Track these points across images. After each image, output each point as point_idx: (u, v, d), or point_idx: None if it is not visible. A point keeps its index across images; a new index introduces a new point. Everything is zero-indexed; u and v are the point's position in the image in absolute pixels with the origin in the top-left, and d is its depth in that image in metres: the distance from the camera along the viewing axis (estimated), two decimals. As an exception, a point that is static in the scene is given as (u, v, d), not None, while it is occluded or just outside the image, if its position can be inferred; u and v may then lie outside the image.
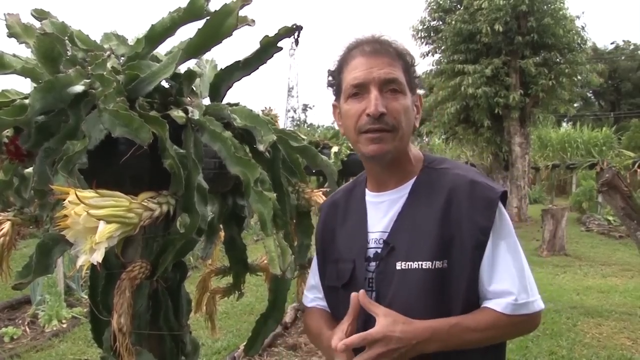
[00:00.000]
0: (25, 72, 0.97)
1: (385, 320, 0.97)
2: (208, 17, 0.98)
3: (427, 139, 18.88)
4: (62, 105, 0.91)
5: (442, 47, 13.07)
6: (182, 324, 1.10)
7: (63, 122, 0.92)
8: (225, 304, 4.61)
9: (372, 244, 1.11)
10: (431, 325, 0.99)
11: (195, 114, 0.97)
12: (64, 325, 4.48)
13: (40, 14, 1.07)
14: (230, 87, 1.13)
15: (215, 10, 0.97)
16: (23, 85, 1.04)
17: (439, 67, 13.37)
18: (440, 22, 13.39)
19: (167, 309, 1.06)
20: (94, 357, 3.72)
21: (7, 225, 1.17)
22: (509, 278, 1.02)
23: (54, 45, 0.93)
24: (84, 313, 4.70)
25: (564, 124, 25.07)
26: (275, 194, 0.97)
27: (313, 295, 1.25)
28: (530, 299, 1.03)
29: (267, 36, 1.06)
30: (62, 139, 0.89)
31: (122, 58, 1.07)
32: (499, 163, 13.10)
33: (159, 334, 1.06)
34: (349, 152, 3.38)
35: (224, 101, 1.13)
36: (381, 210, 1.12)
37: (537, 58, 11.90)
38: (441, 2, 13.34)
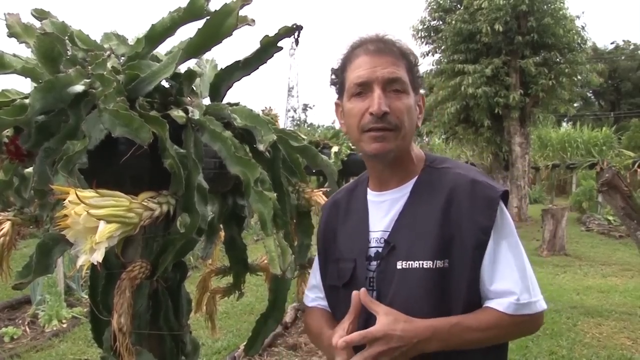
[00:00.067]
0: (25, 71, 0.97)
1: (386, 319, 0.97)
2: (208, 17, 0.98)
3: (427, 139, 18.88)
4: (62, 105, 0.91)
5: (442, 47, 13.07)
6: (182, 323, 1.10)
7: (63, 122, 0.92)
8: (225, 303, 4.61)
9: (373, 243, 1.11)
10: (432, 324, 0.99)
11: (196, 114, 0.97)
12: (64, 325, 4.48)
13: (40, 14, 1.07)
14: (231, 87, 1.13)
15: (216, 10, 0.97)
16: (23, 85, 1.04)
17: (439, 67, 13.37)
18: (440, 22, 13.39)
19: (167, 308, 1.06)
20: (94, 357, 3.72)
21: (7, 225, 1.17)
22: (511, 278, 1.02)
23: (54, 45, 0.93)
24: (84, 313, 4.70)
25: (564, 124, 25.08)
26: (275, 194, 0.97)
27: (314, 295, 1.25)
28: (532, 299, 1.02)
29: (267, 36, 1.06)
30: (62, 138, 0.89)
31: (122, 58, 1.07)
32: (499, 163, 13.10)
33: (159, 334, 1.06)
34: (349, 152, 3.38)
35: (224, 101, 1.13)
36: (382, 210, 1.13)
37: (537, 58, 11.90)
38: (441, 2, 13.34)
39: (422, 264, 1.02)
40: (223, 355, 3.79)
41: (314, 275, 1.26)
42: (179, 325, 1.09)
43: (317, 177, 3.37)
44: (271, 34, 1.06)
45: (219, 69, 1.15)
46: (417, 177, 1.12)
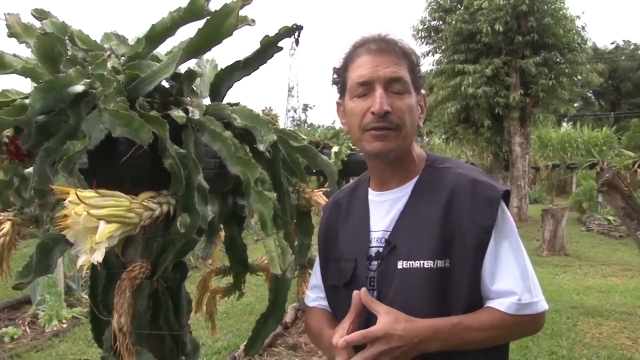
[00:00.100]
0: (25, 71, 0.97)
1: (387, 318, 0.97)
2: (208, 17, 0.98)
3: (427, 139, 18.88)
4: (63, 105, 0.91)
5: (442, 47, 13.07)
6: (182, 323, 1.10)
7: (63, 122, 0.92)
8: (225, 303, 4.61)
9: (374, 243, 1.10)
10: (433, 324, 0.98)
11: (196, 114, 0.97)
12: (64, 325, 4.48)
13: (40, 14, 1.07)
14: (231, 87, 1.13)
15: (216, 10, 0.97)
16: (23, 85, 1.04)
17: (439, 67, 13.37)
18: (441, 22, 13.39)
19: (167, 308, 1.06)
20: (94, 357, 3.72)
21: (7, 225, 1.17)
22: (512, 278, 1.02)
23: (54, 45, 0.93)
24: (84, 313, 4.70)
25: (564, 124, 25.07)
26: (275, 194, 0.97)
27: (315, 295, 1.25)
28: (534, 299, 1.02)
29: (267, 36, 1.06)
30: (62, 138, 0.89)
31: (123, 58, 1.07)
32: (499, 163, 13.10)
33: (159, 334, 1.06)
34: (349, 152, 3.38)
35: (224, 101, 1.13)
36: (383, 209, 1.12)
37: (537, 58, 11.90)
38: (441, 2, 13.34)
39: (423, 263, 1.02)
40: (223, 355, 3.79)
41: (315, 275, 1.26)
42: (179, 325, 1.09)
43: (317, 177, 3.37)
44: (271, 34, 1.06)
45: (219, 69, 1.15)
46: (418, 176, 1.12)
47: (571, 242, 8.87)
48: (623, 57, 32.93)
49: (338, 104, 1.17)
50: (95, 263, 0.79)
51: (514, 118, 12.36)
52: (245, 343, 1.33)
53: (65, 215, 0.80)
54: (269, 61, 1.09)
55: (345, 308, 1.05)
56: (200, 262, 2.18)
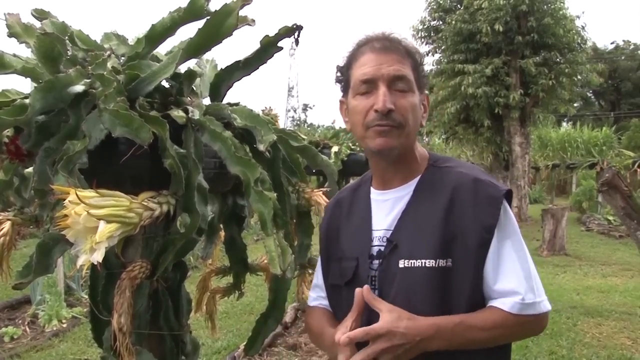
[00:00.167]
0: (25, 71, 0.97)
1: (390, 316, 0.97)
2: (208, 17, 0.98)
3: (427, 139, 18.87)
4: (63, 105, 0.91)
5: (442, 47, 13.08)
6: (182, 323, 1.10)
7: (63, 122, 0.92)
8: (225, 303, 4.61)
9: (376, 242, 1.10)
10: (436, 323, 0.98)
11: (196, 114, 0.97)
12: (64, 325, 4.48)
13: (40, 14, 1.07)
14: (231, 87, 1.13)
15: (216, 10, 0.97)
16: (23, 85, 1.04)
17: (439, 67, 13.38)
18: (441, 22, 13.39)
19: (167, 308, 1.06)
20: (94, 357, 3.72)
21: (7, 225, 1.17)
22: (515, 277, 1.01)
23: (54, 45, 0.93)
24: (84, 313, 4.70)
25: (564, 124, 25.09)
26: (275, 194, 0.97)
27: (315, 295, 1.25)
28: (537, 299, 1.01)
29: (267, 36, 1.06)
30: (62, 138, 0.89)
31: (123, 58, 1.07)
32: (499, 163, 13.10)
33: (159, 334, 1.06)
34: (349, 152, 3.38)
35: (224, 101, 1.13)
36: (385, 208, 1.12)
37: (537, 58, 11.90)
38: (441, 2, 13.34)
39: (425, 262, 1.02)
40: (223, 355, 3.79)
41: (317, 275, 1.26)
42: (179, 325, 1.09)
43: (317, 177, 3.37)
44: (271, 34, 1.06)
45: (219, 69, 1.15)
46: (420, 176, 1.12)
47: (571, 242, 8.87)
48: (623, 57, 32.93)
49: (341, 102, 1.17)
50: (95, 263, 0.79)
51: (513, 118, 12.36)
52: (245, 343, 1.33)
53: (65, 215, 0.80)
54: (269, 61, 1.09)
55: (346, 307, 1.05)
56: (200, 262, 2.18)
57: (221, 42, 1.01)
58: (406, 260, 1.04)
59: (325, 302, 1.22)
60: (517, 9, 11.78)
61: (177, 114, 0.96)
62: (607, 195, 4.07)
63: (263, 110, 1.39)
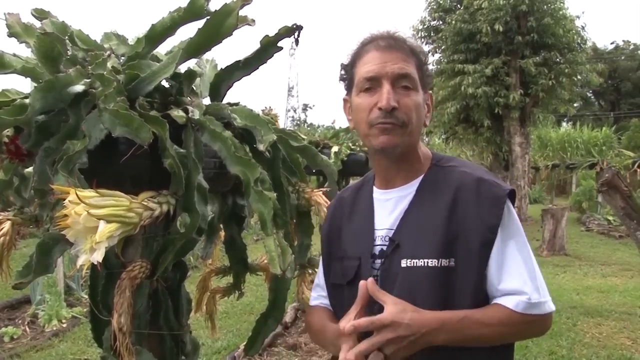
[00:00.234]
0: (25, 71, 0.97)
1: (395, 308, 0.96)
2: (208, 17, 0.98)
3: (427, 139, 18.88)
4: (63, 104, 0.91)
5: (442, 47, 13.08)
6: (182, 323, 1.10)
7: (63, 122, 0.92)
8: (225, 303, 4.61)
9: (378, 241, 1.10)
10: (441, 316, 0.97)
11: (196, 114, 0.97)
12: (64, 325, 4.48)
13: (40, 14, 1.07)
14: (231, 87, 1.13)
15: (216, 10, 0.97)
16: (23, 85, 1.04)
17: (439, 66, 13.37)
18: (441, 22, 13.39)
19: (167, 308, 1.07)
20: (94, 357, 3.72)
21: (7, 225, 1.17)
22: (520, 277, 1.01)
23: (54, 45, 0.93)
24: (84, 313, 4.70)
25: (564, 124, 25.10)
26: (275, 194, 0.97)
27: (316, 294, 1.25)
28: (542, 299, 1.01)
29: (267, 36, 1.06)
30: (62, 138, 0.89)
31: (122, 58, 1.07)
32: (499, 163, 13.10)
33: (159, 334, 1.06)
34: (349, 152, 3.38)
35: (224, 101, 1.13)
36: (388, 207, 1.12)
37: (537, 58, 11.90)
38: (441, 2, 13.35)
39: (427, 262, 1.01)
40: (223, 355, 3.79)
41: (318, 274, 1.26)
42: (179, 325, 1.09)
43: (317, 177, 3.37)
44: (271, 34, 1.06)
45: (219, 68, 1.15)
46: (423, 175, 1.11)
47: (571, 242, 8.87)
48: (623, 57, 32.94)
49: (345, 100, 1.17)
50: (95, 263, 0.79)
51: (513, 118, 12.37)
52: (245, 343, 1.33)
53: (65, 215, 0.80)
54: (269, 61, 1.09)
55: (348, 307, 1.05)
56: (200, 262, 2.18)
57: (221, 42, 1.01)
58: (409, 260, 1.03)
59: (326, 302, 1.22)
60: (517, 9, 11.78)
61: (177, 113, 0.96)
62: (606, 196, 4.07)
63: (263, 110, 1.39)
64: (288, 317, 4.41)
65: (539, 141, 19.17)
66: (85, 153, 0.86)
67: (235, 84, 1.12)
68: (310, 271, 1.42)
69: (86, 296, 4.80)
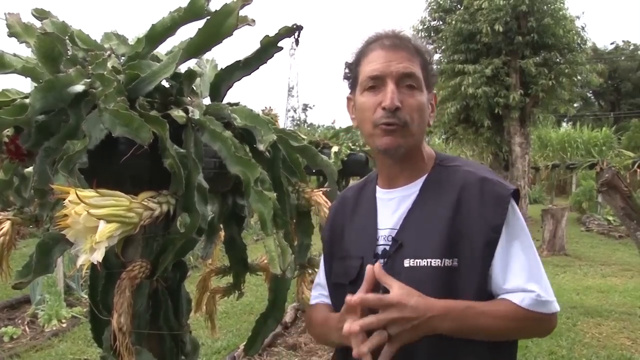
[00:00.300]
0: (25, 71, 0.97)
1: (401, 290, 0.95)
2: (208, 17, 0.98)
3: (427, 139, 18.84)
4: (63, 104, 0.91)
5: (442, 47, 13.08)
6: (182, 323, 1.10)
7: (63, 122, 0.92)
8: (225, 303, 4.62)
9: (381, 241, 1.10)
10: (446, 304, 0.97)
11: (196, 114, 0.97)
12: (64, 325, 4.48)
13: (40, 14, 1.07)
14: (231, 87, 1.13)
15: (216, 10, 0.97)
16: (23, 85, 1.04)
17: (439, 67, 13.36)
18: (441, 22, 13.39)
19: (167, 308, 1.07)
20: (94, 357, 3.72)
21: (7, 225, 1.17)
22: (526, 276, 1.00)
23: (54, 45, 0.93)
24: (83, 313, 4.70)
25: (564, 124, 25.10)
26: (275, 194, 0.97)
27: (317, 293, 1.24)
28: (549, 298, 1.01)
29: (267, 36, 1.06)
30: (62, 138, 0.89)
31: (123, 58, 1.07)
32: (499, 163, 13.10)
33: (159, 334, 1.06)
34: (349, 152, 3.38)
35: (224, 101, 1.13)
36: (391, 207, 1.12)
37: (537, 58, 11.90)
38: (441, 2, 13.34)
39: (430, 262, 1.01)
40: (223, 355, 3.79)
41: (319, 274, 1.26)
42: (178, 325, 1.09)
43: (317, 177, 3.37)
44: (271, 34, 1.06)
45: (219, 68, 1.15)
46: (426, 175, 1.11)
47: (571, 242, 8.87)
48: (623, 58, 32.95)
49: (348, 99, 1.17)
50: (95, 263, 0.79)
51: (513, 118, 12.36)
52: (244, 343, 1.33)
53: (65, 215, 0.80)
54: (269, 61, 1.09)
55: None
56: (200, 262, 2.18)
57: (221, 42, 1.01)
58: (411, 260, 1.03)
59: (327, 301, 1.21)
60: (517, 9, 11.78)
61: (177, 113, 0.96)
62: (606, 196, 4.07)
63: (263, 110, 1.39)
64: (288, 317, 4.41)
65: (539, 141, 19.17)
66: (85, 153, 0.86)
67: (235, 84, 1.12)
68: (310, 271, 1.42)
69: (86, 296, 4.80)
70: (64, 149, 0.86)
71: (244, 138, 1.03)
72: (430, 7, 13.53)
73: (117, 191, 0.85)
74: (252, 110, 1.06)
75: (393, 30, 1.10)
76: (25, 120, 0.89)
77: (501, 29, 11.63)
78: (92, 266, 0.85)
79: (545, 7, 12.03)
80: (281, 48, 1.09)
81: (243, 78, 1.11)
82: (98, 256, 0.79)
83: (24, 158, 1.01)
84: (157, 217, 0.89)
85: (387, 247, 1.08)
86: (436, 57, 13.63)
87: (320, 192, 1.28)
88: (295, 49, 1.33)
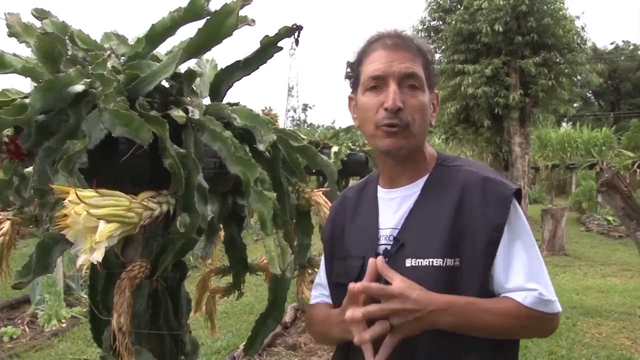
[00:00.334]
0: (25, 71, 0.97)
1: (403, 283, 0.95)
2: (208, 17, 0.98)
3: (427, 139, 18.86)
4: (63, 104, 0.91)
5: (442, 47, 13.07)
6: (181, 323, 1.10)
7: (63, 122, 0.92)
8: (225, 303, 4.62)
9: (382, 241, 1.09)
10: (447, 298, 0.97)
11: (196, 114, 0.97)
12: (64, 325, 4.48)
13: (40, 14, 1.07)
14: (231, 87, 1.13)
15: (216, 10, 0.97)
16: (23, 85, 1.04)
17: (439, 67, 13.32)
18: (440, 22, 13.39)
19: (167, 308, 1.07)
20: (94, 357, 3.72)
21: (6, 225, 1.17)
22: (528, 275, 1.00)
23: (54, 45, 0.93)
24: (83, 312, 4.70)
25: (564, 124, 25.10)
26: (275, 194, 0.97)
27: (318, 292, 1.24)
28: (551, 298, 1.01)
29: (267, 36, 1.06)
30: (62, 138, 0.89)
31: (123, 58, 1.07)
32: (499, 163, 13.10)
33: (159, 334, 1.06)
34: (348, 152, 3.38)
35: (224, 101, 1.14)
36: (393, 207, 1.12)
37: (537, 58, 11.89)
38: (441, 2, 13.34)
39: (432, 261, 1.01)
40: (222, 355, 3.79)
41: (319, 274, 1.25)
42: (178, 325, 1.09)
43: (317, 177, 3.37)
44: (271, 34, 1.06)
45: (219, 68, 1.16)
46: (428, 174, 1.11)
47: (571, 242, 8.87)
48: (622, 58, 32.96)
49: (350, 98, 1.17)
50: (95, 262, 0.79)
51: (513, 118, 12.36)
52: (244, 343, 1.33)
53: (65, 215, 0.80)
54: (269, 61, 1.09)
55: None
56: (200, 261, 2.18)
57: (221, 42, 1.01)
58: (413, 259, 1.03)
59: (327, 300, 1.21)
60: (517, 9, 11.77)
61: (177, 113, 0.96)
62: (606, 196, 4.07)
63: (263, 110, 1.39)
64: (288, 317, 4.41)
65: (538, 141, 19.17)
66: (85, 153, 0.86)
67: (235, 84, 1.12)
68: (310, 271, 1.42)
69: (86, 296, 4.80)
70: (64, 149, 0.86)
71: (244, 138, 1.03)
72: (430, 7, 13.53)
73: (117, 191, 0.85)
74: (252, 110, 1.06)
75: (395, 30, 1.10)
76: (25, 120, 0.89)
77: (501, 29, 11.62)
78: (92, 266, 0.85)
79: (545, 7, 12.03)
80: (281, 48, 1.09)
81: (243, 78, 1.11)
82: (98, 256, 0.79)
83: (24, 158, 1.01)
84: (157, 217, 0.89)
85: (389, 247, 1.08)
86: (436, 57, 13.61)
87: (320, 192, 1.28)
88: (295, 49, 1.33)
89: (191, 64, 1.14)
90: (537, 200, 16.70)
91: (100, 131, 0.87)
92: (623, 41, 34.55)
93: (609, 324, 4.63)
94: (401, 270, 1.02)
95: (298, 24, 1.06)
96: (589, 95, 32.65)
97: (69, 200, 0.80)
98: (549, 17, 11.79)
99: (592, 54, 18.44)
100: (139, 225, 0.87)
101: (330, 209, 1.26)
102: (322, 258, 1.25)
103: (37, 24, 1.05)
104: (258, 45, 1.07)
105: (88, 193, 0.81)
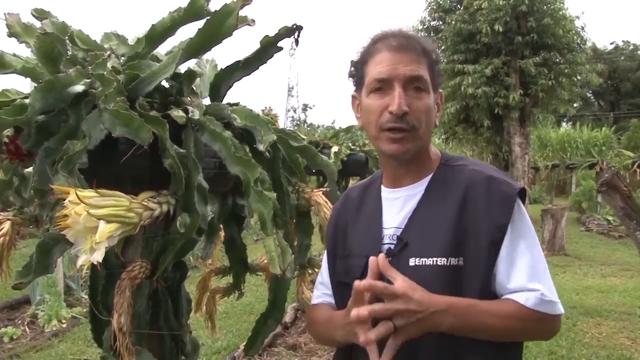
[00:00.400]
0: (25, 71, 0.97)
1: (405, 283, 0.95)
2: (208, 17, 0.98)
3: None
4: (63, 105, 0.91)
5: (442, 47, 13.06)
6: (182, 323, 1.10)
7: (63, 122, 0.92)
8: (225, 303, 4.62)
9: (386, 240, 1.09)
10: (449, 299, 0.97)
11: (196, 114, 0.97)
12: (64, 325, 4.48)
13: (40, 14, 1.07)
14: (231, 87, 1.13)
15: (216, 10, 0.97)
16: (23, 85, 1.04)
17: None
18: (440, 22, 13.39)
19: (167, 308, 1.07)
20: (94, 357, 3.72)
21: (7, 225, 1.17)
22: (530, 276, 1.00)
23: (54, 45, 0.93)
24: (83, 313, 4.70)
25: (564, 124, 25.11)
26: (275, 194, 0.97)
27: (320, 292, 1.24)
28: (553, 299, 1.00)
29: (267, 36, 1.06)
30: (62, 138, 0.89)
31: (123, 58, 1.07)
32: (499, 163, 13.09)
33: (159, 334, 1.06)
34: (349, 152, 3.38)
35: (224, 101, 1.14)
36: (396, 206, 1.11)
37: (537, 58, 11.90)
38: (441, 2, 13.34)
39: (436, 261, 1.01)
40: (223, 355, 3.79)
41: (321, 273, 1.25)
42: (178, 325, 1.09)
43: (317, 177, 3.37)
44: (271, 34, 1.06)
45: (219, 69, 1.16)
46: (432, 174, 1.11)
47: (571, 242, 8.87)
48: (622, 58, 32.96)
49: (353, 97, 1.16)
50: (95, 263, 0.79)
51: (513, 118, 12.36)
52: (244, 343, 1.33)
53: (65, 215, 0.80)
54: (269, 61, 1.09)
55: None
56: (200, 262, 2.18)
57: (221, 42, 1.01)
58: (417, 259, 1.03)
59: (329, 299, 1.20)
60: (516, 9, 11.78)
61: (177, 114, 0.96)
62: (606, 196, 4.07)
63: (263, 110, 1.40)
64: (288, 317, 4.41)
65: (538, 141, 19.17)
66: (85, 153, 0.86)
67: (235, 84, 1.12)
68: (310, 271, 1.42)
69: (86, 296, 4.80)
70: (64, 149, 0.86)
71: (244, 138, 1.03)
72: (430, 7, 13.53)
73: (117, 191, 0.85)
74: (252, 110, 1.06)
75: (400, 29, 1.09)
76: (25, 121, 0.89)
77: (501, 29, 11.62)
78: (92, 266, 0.85)
79: (545, 7, 12.03)
80: (281, 48, 1.09)
81: (243, 78, 1.11)
82: (98, 256, 0.79)
83: (24, 158, 1.01)
84: (157, 217, 0.89)
85: (392, 246, 1.07)
86: (438, 56, 13.62)
87: (320, 192, 1.28)
88: (295, 49, 1.33)
89: (191, 64, 1.14)
90: (537, 200, 16.71)
91: (100, 131, 0.87)
92: (623, 41, 34.59)
93: (609, 323, 4.63)
94: (404, 269, 1.02)
95: (298, 24, 1.06)
96: (588, 95, 32.65)
97: (69, 201, 0.80)
98: (549, 17, 11.79)
99: (592, 54, 18.45)
100: (139, 226, 0.87)
101: (333, 208, 1.26)
102: (325, 257, 1.25)
103: (37, 24, 1.05)
104: (258, 45, 1.07)
105: (88, 193, 0.81)
